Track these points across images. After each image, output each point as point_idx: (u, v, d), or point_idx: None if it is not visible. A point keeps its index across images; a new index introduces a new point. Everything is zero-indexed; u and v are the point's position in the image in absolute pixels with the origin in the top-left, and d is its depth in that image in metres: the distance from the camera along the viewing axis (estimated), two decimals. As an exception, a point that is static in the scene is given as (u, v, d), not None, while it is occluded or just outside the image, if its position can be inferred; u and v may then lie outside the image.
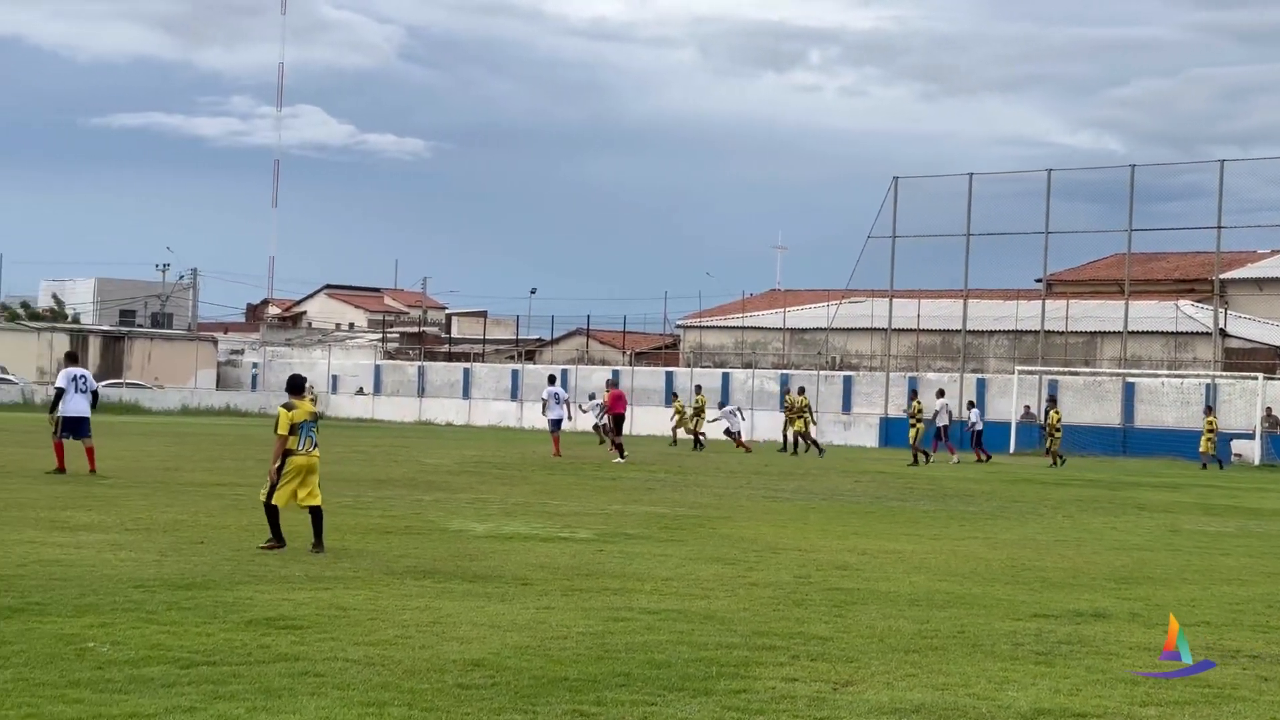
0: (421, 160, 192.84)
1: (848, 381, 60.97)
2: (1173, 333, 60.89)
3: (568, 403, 39.85)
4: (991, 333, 65.22)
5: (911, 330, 63.23)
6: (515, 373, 69.96)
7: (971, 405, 45.67)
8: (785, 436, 45.65)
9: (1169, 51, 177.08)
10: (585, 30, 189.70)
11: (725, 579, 13.41)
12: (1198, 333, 60.35)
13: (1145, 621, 11.55)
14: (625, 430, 39.06)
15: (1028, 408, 52.74)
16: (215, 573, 12.65)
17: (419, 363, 76.56)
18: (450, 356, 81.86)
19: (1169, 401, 52.46)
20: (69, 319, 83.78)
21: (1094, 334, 62.68)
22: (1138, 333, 58.30)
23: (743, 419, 47.75)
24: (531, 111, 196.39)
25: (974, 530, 19.76)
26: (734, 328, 74.82)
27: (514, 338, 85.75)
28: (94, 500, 19.28)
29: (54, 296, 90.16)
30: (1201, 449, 42.58)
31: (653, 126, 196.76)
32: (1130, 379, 53.96)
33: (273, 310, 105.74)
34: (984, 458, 42.60)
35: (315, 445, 14.59)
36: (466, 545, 15.56)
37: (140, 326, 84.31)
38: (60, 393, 24.18)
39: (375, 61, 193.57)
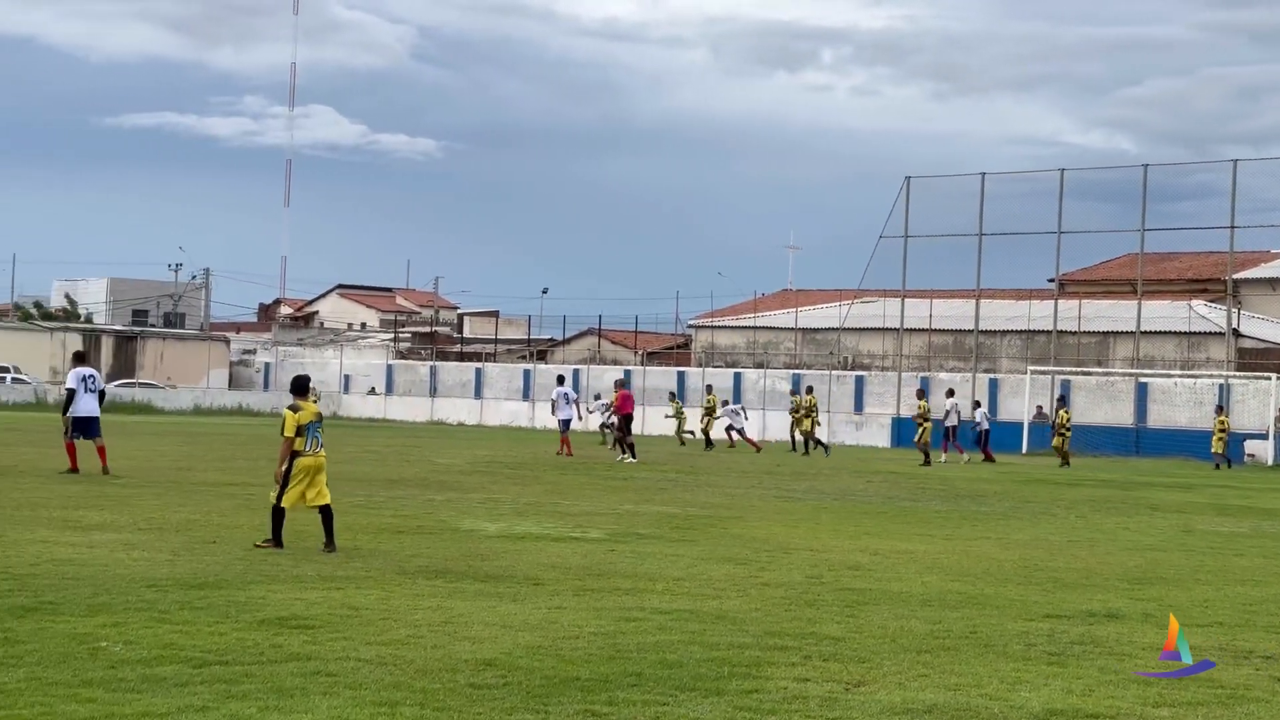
0: (433, 160, 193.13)
1: (860, 381, 60.93)
2: (1186, 333, 60.75)
3: (577, 403, 39.97)
4: (1004, 333, 65.12)
5: (924, 330, 63.15)
6: (527, 373, 70.00)
7: (977, 405, 45.64)
8: (793, 437, 45.71)
9: (1182, 51, 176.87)
10: (597, 30, 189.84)
11: (737, 579, 13.40)
12: (1211, 333, 60.21)
13: (1158, 622, 11.51)
14: (635, 430, 39.07)
15: (1040, 408, 52.64)
16: (228, 572, 12.66)
17: (431, 363, 76.62)
18: (462, 356, 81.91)
19: (1182, 402, 52.36)
20: (82, 319, 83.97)
21: (1107, 334, 62.56)
22: (1150, 333, 58.17)
23: (745, 418, 47.98)
24: (543, 111, 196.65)
25: (986, 530, 19.73)
26: (746, 328, 74.77)
27: (526, 338, 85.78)
28: (107, 500, 19.31)
29: (67, 296, 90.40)
30: (1214, 449, 42.55)
31: (665, 126, 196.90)
32: (1143, 379, 53.84)
33: (285, 310, 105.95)
34: (986, 458, 42.56)
35: (321, 445, 14.61)
36: (478, 545, 15.56)
37: (153, 326, 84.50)
38: (72, 393, 24.22)
39: (387, 61, 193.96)
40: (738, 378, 62.95)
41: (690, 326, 79.43)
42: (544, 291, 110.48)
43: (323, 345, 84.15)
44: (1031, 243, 56.11)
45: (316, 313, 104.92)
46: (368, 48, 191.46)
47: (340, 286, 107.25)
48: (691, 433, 48.08)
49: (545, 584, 12.61)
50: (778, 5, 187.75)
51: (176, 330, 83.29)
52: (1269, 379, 48.71)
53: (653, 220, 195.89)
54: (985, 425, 43.71)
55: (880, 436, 55.98)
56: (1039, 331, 61.63)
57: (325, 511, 14.50)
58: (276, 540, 14.42)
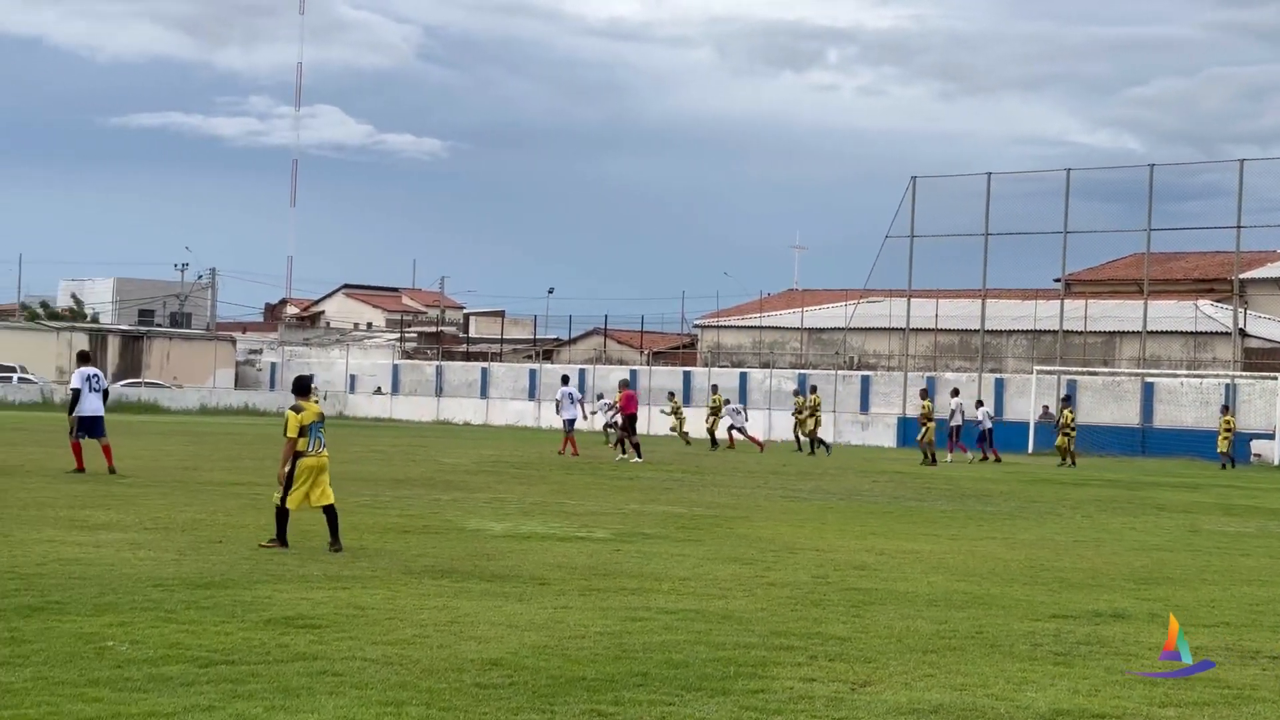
0: (439, 160, 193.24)
1: (865, 381, 60.90)
2: (1192, 333, 60.71)
3: (581, 402, 40.01)
4: (1010, 332, 65.09)
5: (930, 330, 63.13)
6: (533, 372, 70.02)
7: (979, 404, 45.64)
8: (798, 437, 45.74)
9: (1188, 50, 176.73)
10: (603, 30, 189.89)
11: (743, 579, 13.40)
12: (1217, 332, 60.16)
13: (1164, 622, 11.48)
14: (640, 430, 39.10)
15: (1046, 408, 52.62)
16: (234, 572, 12.67)
17: (437, 362, 76.64)
18: (468, 356, 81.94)
19: (1188, 401, 52.31)
20: (88, 319, 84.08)
21: (1113, 334, 62.52)
22: (1157, 333, 58.12)
23: (745, 417, 48.13)
24: (549, 111, 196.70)
25: (992, 530, 19.72)
26: (752, 327, 74.77)
27: (532, 337, 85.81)
28: (113, 499, 19.33)
29: (73, 296, 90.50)
30: (1220, 449, 42.54)
31: (670, 126, 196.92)
32: (1149, 379, 53.80)
33: (291, 310, 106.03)
34: (985, 457, 42.55)
35: (324, 445, 14.62)
36: (484, 545, 15.57)
37: (159, 326, 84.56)
38: (76, 393, 24.28)
39: (393, 61, 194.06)
40: (743, 378, 62.95)
41: (696, 326, 79.44)
42: (550, 291, 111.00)
43: (329, 345, 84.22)
44: (1038, 242, 56.08)
45: (322, 313, 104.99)
46: (374, 47, 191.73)
47: (346, 286, 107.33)
48: (685, 434, 48.03)
49: (551, 584, 12.61)
50: (783, 4, 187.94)
51: (183, 330, 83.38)
52: (1275, 379, 48.66)
53: (658, 220, 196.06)
54: (987, 424, 43.72)
55: (886, 436, 55.96)
56: (1045, 331, 61.60)
57: (329, 511, 14.52)
58: (281, 540, 14.44)
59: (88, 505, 18.38)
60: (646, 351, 77.25)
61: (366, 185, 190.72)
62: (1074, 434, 42.63)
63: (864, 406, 59.44)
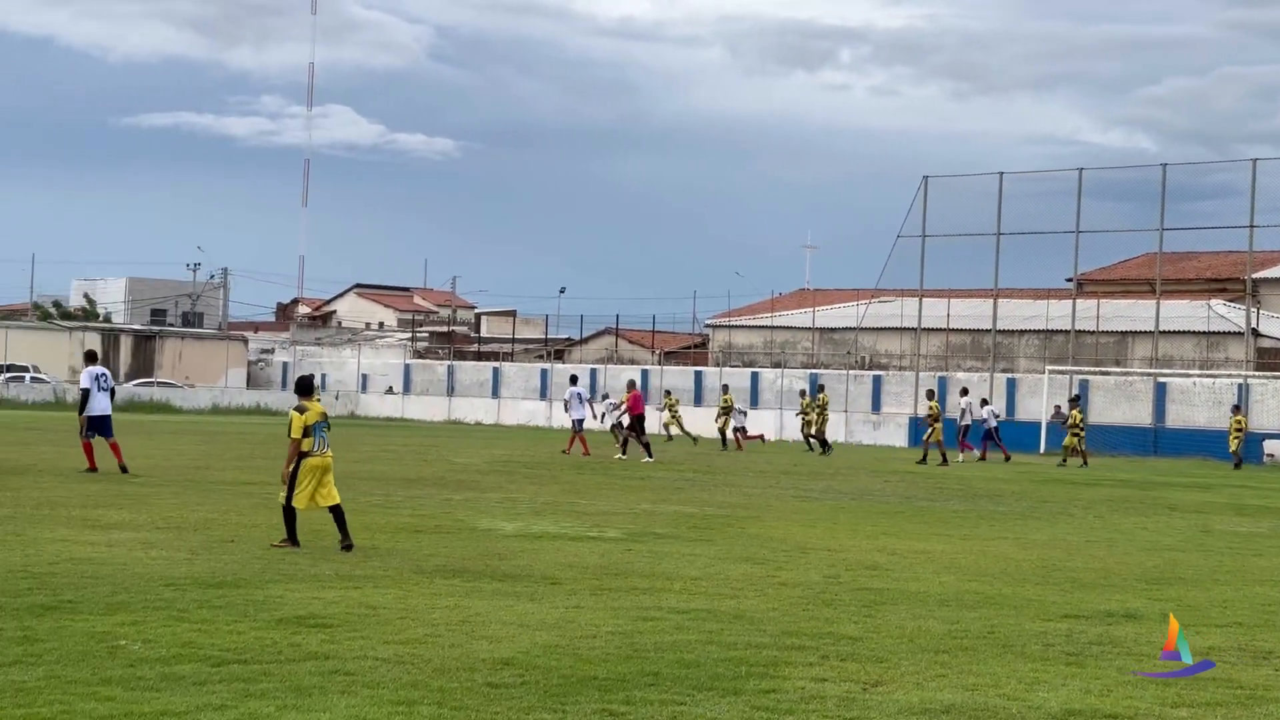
0: (451, 160, 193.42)
1: (877, 381, 60.85)
2: (1204, 332, 60.59)
3: (590, 402, 40.06)
4: (1022, 332, 65.00)
5: (941, 330, 63.06)
6: (544, 372, 70.04)
7: (985, 403, 45.51)
8: (807, 438, 45.76)
9: (1201, 50, 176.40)
10: (614, 30, 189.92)
11: (754, 579, 13.39)
12: (1229, 332, 60.03)
13: (1177, 622, 11.48)
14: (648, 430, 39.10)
15: (1058, 408, 52.52)
16: (246, 571, 12.69)
17: (448, 362, 76.70)
18: (479, 356, 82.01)
19: (1200, 401, 52.18)
20: (100, 318, 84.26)
21: (1125, 334, 62.41)
22: (1169, 332, 58.02)
23: (745, 416, 48.50)
24: (560, 111, 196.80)
25: (1004, 530, 19.69)
26: (763, 327, 74.74)
27: (543, 337, 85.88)
28: (125, 499, 19.37)
29: (85, 296, 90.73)
30: (1230, 448, 42.47)
31: (682, 126, 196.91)
32: (1161, 379, 53.67)
33: (303, 309, 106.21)
34: (984, 457, 42.50)
35: (328, 445, 14.64)
36: (495, 544, 15.58)
37: (171, 326, 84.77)
38: (86, 393, 24.35)
39: (405, 61, 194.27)
40: (755, 377, 62.90)
41: (707, 326, 79.43)
42: (561, 291, 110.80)
43: (340, 345, 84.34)
44: (1050, 242, 55.98)
45: (334, 312, 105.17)
46: (385, 47, 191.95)
47: (358, 286, 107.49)
48: (688, 433, 48.22)
49: (563, 583, 12.61)
50: (795, 4, 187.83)
51: (195, 330, 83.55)
52: (1288, 379, 48.57)
53: (670, 219, 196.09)
54: (993, 423, 43.68)
55: (898, 436, 55.90)
56: (1057, 331, 61.51)
57: (336, 511, 14.54)
58: (292, 539, 14.47)
59: (100, 504, 18.41)
60: (658, 351, 77.25)
61: (378, 185, 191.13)
62: (1083, 434, 42.55)
63: (875, 406, 59.39)
